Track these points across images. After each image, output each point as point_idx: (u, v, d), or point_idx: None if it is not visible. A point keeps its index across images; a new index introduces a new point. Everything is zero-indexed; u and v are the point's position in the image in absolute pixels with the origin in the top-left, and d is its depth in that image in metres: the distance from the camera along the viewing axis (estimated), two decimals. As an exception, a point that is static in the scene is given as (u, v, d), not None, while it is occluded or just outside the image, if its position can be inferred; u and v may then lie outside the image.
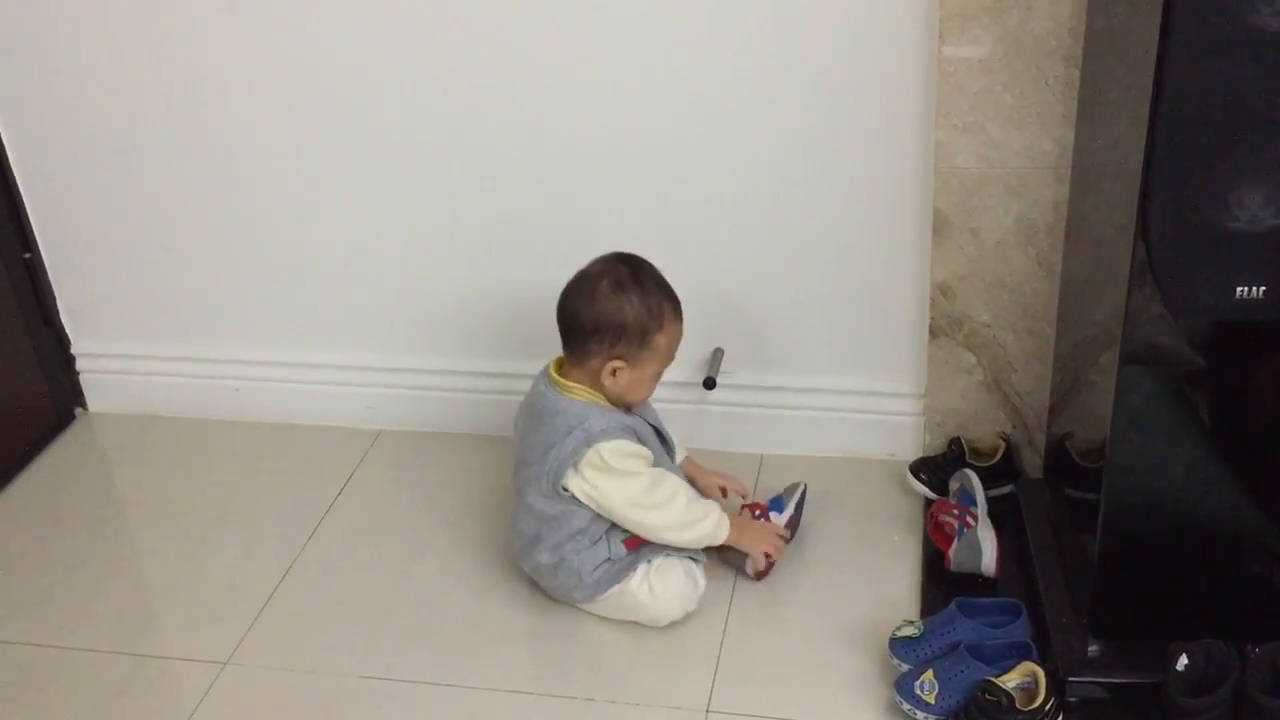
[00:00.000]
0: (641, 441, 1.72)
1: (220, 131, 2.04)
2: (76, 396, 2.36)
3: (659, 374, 1.75)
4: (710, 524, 1.75)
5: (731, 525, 1.77)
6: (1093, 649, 1.59)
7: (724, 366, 2.02)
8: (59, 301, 2.29)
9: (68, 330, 2.32)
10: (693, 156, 1.90)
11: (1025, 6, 1.63)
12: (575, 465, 1.68)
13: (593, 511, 1.71)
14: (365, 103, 1.96)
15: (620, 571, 1.72)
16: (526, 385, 2.09)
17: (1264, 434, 1.48)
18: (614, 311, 1.67)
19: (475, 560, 1.91)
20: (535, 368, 2.09)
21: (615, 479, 1.68)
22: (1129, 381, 1.41)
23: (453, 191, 2.01)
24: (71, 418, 2.35)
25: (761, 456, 2.08)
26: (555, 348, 2.03)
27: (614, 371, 1.69)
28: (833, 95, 1.80)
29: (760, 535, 1.80)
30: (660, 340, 1.69)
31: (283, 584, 1.90)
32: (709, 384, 1.99)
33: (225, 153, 2.06)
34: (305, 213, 2.09)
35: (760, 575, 1.81)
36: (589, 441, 1.67)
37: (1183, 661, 1.49)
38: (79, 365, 2.34)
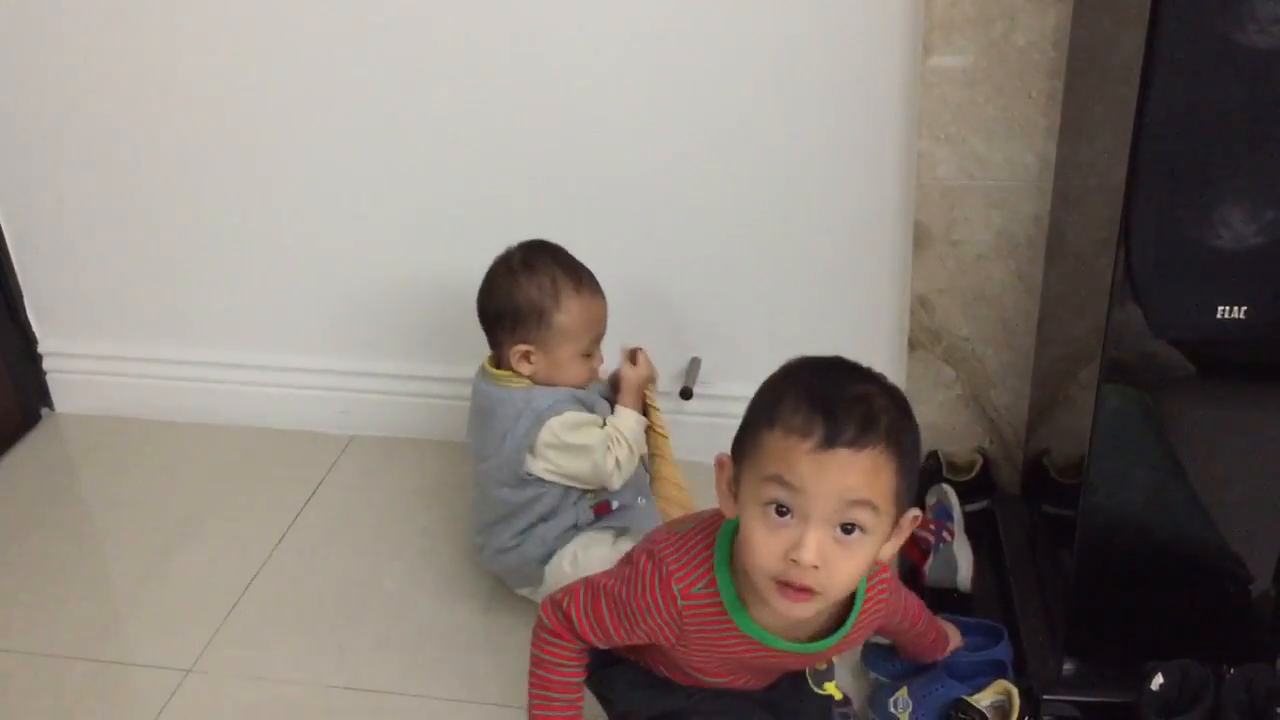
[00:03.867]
0: (590, 409, 1.70)
1: (192, 131, 2.02)
2: (43, 396, 2.33)
3: (585, 355, 1.70)
4: (634, 423, 1.70)
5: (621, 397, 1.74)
6: (1068, 667, 1.58)
7: (701, 376, 2.01)
8: (26, 299, 2.25)
9: (35, 329, 2.28)
10: (671, 166, 1.89)
11: (1009, 18, 1.62)
12: (532, 448, 1.66)
13: (561, 487, 1.69)
14: (342, 103, 1.94)
15: (568, 537, 1.71)
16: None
17: (1241, 454, 1.47)
18: (505, 296, 1.66)
19: (446, 569, 1.89)
20: (510, 374, 2.07)
21: (573, 455, 1.66)
22: (1108, 398, 1.40)
23: (431, 196, 1.99)
24: (37, 418, 2.32)
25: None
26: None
27: (525, 357, 1.67)
28: (815, 105, 1.79)
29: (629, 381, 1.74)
30: (561, 319, 1.65)
31: (249, 591, 1.87)
32: (685, 394, 1.97)
33: (198, 152, 2.04)
34: (280, 214, 2.07)
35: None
36: (539, 420, 1.65)
37: (1158, 681, 1.48)
38: (46, 364, 2.31)
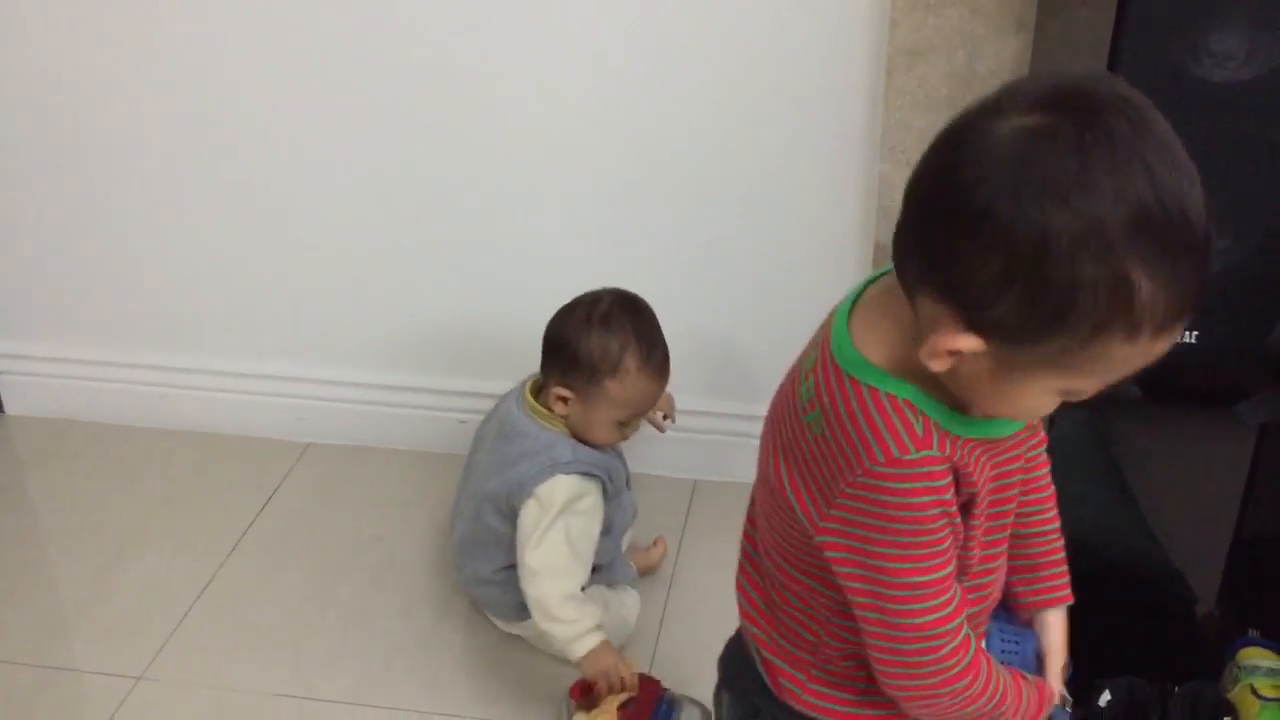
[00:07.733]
0: (608, 481, 1.66)
1: (148, 135, 2.00)
2: (-7, 398, 2.30)
3: (620, 423, 1.66)
4: (569, 630, 1.58)
5: (590, 653, 1.57)
6: (1017, 684, 1.60)
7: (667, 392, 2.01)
8: (-22, 299, 2.23)
9: (-13, 330, 2.26)
10: (645, 190, 1.90)
11: (971, 46, 1.65)
12: (533, 493, 1.62)
13: None
14: (301, 107, 1.94)
15: None
16: (458, 401, 2.08)
17: (1188, 476, 1.51)
18: (572, 340, 1.61)
19: (402, 579, 1.89)
20: (466, 385, 2.06)
21: (539, 520, 1.60)
22: (1060, 421, 1.43)
23: (394, 209, 1.99)
24: (-13, 420, 2.29)
25: (694, 481, 2.07)
26: (487, 366, 2.01)
27: (563, 400, 1.64)
28: (780, 129, 1.81)
29: (601, 662, 1.57)
30: (611, 387, 1.61)
31: (202, 598, 1.86)
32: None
33: (153, 156, 2.02)
34: (237, 218, 2.05)
35: (584, 692, 1.58)
36: (553, 470, 1.61)
37: (1105, 698, 1.50)
38: (-3, 366, 2.28)
